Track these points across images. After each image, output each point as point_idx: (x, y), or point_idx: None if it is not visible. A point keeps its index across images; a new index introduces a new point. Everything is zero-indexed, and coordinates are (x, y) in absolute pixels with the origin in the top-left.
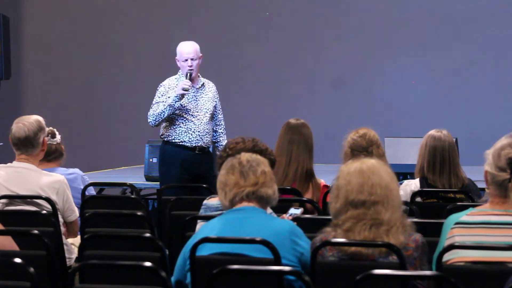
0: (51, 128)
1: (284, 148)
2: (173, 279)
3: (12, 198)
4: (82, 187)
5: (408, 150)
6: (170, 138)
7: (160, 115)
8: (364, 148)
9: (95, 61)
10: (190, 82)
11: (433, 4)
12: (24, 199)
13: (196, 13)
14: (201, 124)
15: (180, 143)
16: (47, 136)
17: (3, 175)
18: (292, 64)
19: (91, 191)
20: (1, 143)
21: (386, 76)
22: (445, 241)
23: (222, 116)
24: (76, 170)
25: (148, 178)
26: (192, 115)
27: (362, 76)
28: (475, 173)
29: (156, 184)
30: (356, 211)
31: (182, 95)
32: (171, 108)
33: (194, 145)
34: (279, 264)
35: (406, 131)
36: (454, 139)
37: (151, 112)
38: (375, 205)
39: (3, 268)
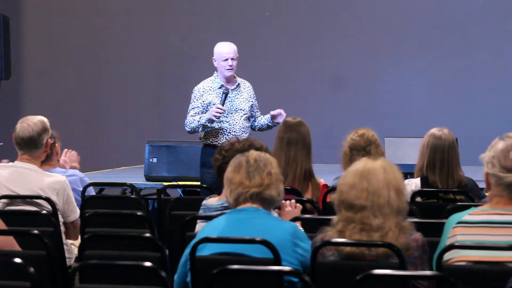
0: None
1: (282, 148)
2: (176, 276)
3: (12, 198)
4: (81, 188)
5: (408, 150)
6: (208, 141)
7: (195, 129)
8: (363, 148)
9: (95, 61)
10: (223, 109)
11: (433, 4)
12: (24, 199)
13: (195, 13)
14: (236, 124)
15: (218, 145)
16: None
17: (4, 174)
18: (291, 64)
19: (91, 191)
20: (1, 143)
21: (386, 76)
22: (446, 240)
23: (259, 113)
24: (75, 172)
25: (148, 178)
26: (226, 116)
27: (362, 76)
28: (475, 173)
29: (156, 184)
30: (347, 213)
31: (213, 120)
32: (204, 128)
33: None
34: (279, 264)
35: (406, 131)
36: (455, 139)
37: (187, 121)
38: (362, 210)
39: (3, 268)
